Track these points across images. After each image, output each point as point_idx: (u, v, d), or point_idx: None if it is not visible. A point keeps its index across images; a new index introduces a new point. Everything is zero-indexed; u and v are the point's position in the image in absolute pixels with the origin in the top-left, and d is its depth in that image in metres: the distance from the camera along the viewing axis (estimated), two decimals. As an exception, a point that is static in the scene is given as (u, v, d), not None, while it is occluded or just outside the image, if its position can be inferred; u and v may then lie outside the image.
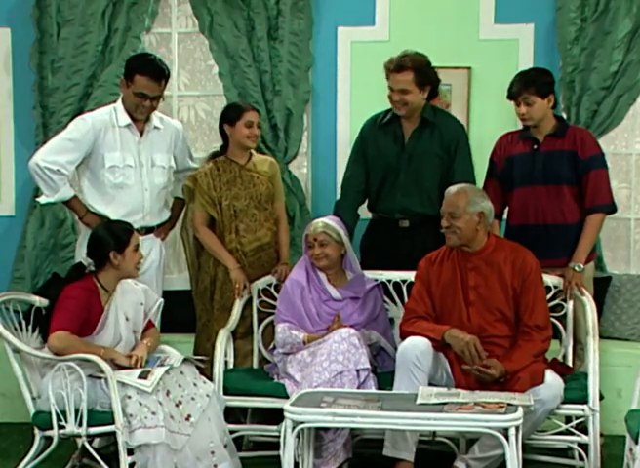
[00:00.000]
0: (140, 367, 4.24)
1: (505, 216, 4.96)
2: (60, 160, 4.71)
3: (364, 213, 5.12)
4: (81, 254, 4.65)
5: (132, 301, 4.43)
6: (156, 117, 4.95)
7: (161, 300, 4.59)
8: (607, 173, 4.80)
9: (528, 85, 4.69)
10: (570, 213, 4.75)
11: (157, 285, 4.96)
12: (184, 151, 5.13)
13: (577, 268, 4.68)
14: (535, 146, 4.80)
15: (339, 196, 5.15)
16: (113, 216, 4.75)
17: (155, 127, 4.92)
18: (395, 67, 4.80)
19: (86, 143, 4.76)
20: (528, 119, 4.74)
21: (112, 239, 4.33)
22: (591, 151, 4.74)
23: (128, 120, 4.81)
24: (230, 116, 4.97)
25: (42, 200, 4.85)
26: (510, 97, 4.76)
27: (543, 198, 4.75)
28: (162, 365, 4.27)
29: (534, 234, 4.73)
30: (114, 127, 4.80)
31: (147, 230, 4.93)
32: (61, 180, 4.74)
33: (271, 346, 4.86)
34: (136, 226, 4.79)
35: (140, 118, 4.85)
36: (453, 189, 4.49)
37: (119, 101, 4.88)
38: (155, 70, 4.80)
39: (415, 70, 4.79)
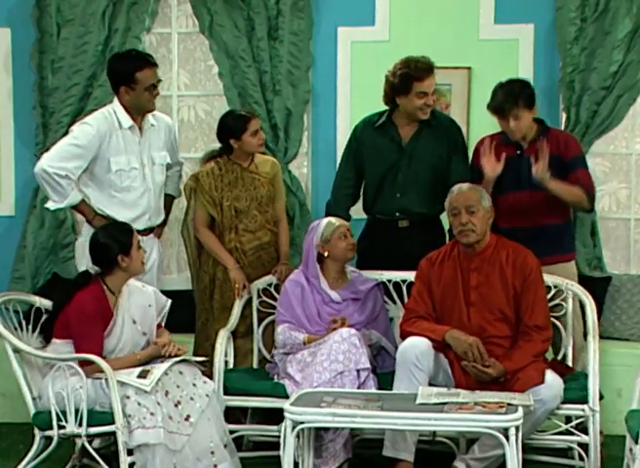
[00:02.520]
0: (178, 350, 4.33)
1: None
2: (67, 166, 4.65)
3: (357, 213, 5.13)
4: (83, 255, 4.64)
5: (139, 304, 4.42)
6: (150, 114, 4.92)
7: (169, 301, 4.59)
8: (589, 174, 4.80)
9: (517, 101, 4.66)
10: (557, 215, 4.77)
11: (157, 284, 4.96)
12: (175, 145, 5.12)
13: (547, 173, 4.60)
14: (518, 151, 4.80)
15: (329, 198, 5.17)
16: (124, 220, 4.72)
17: (152, 124, 4.90)
18: (427, 71, 4.77)
19: (92, 149, 4.71)
20: (517, 132, 4.72)
21: (116, 243, 4.32)
22: (574, 153, 4.77)
23: (130, 121, 4.78)
24: (235, 130, 4.92)
25: (51, 206, 4.78)
26: (499, 112, 4.72)
27: (531, 202, 4.75)
28: (163, 362, 4.28)
29: (524, 236, 4.71)
30: (117, 130, 4.77)
31: (150, 230, 4.92)
32: (69, 185, 4.68)
33: (274, 351, 4.84)
34: (142, 227, 4.79)
35: (152, 108, 4.84)
36: (464, 186, 4.50)
37: (116, 103, 4.82)
38: (148, 59, 4.81)
39: (434, 71, 4.83)
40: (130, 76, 4.72)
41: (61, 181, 4.65)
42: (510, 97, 4.69)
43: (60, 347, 4.26)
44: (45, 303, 4.48)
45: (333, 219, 4.80)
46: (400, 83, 4.80)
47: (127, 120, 4.78)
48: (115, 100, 4.83)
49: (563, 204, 4.74)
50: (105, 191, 4.79)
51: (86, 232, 4.80)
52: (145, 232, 4.85)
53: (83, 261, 4.68)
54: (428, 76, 4.79)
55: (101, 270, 4.37)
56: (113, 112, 4.79)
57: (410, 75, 4.77)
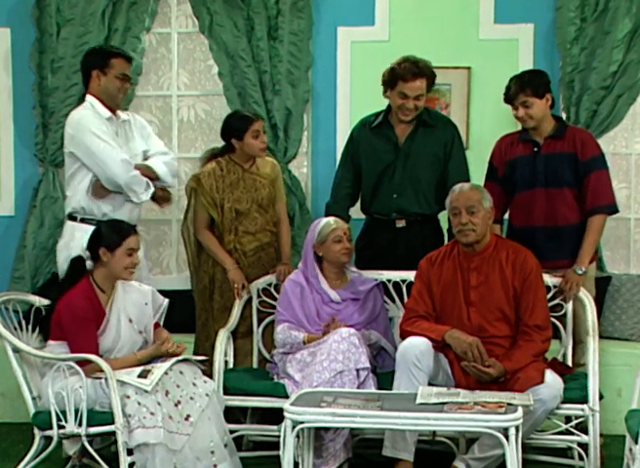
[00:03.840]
0: (177, 348, 4.35)
1: (507, 217, 4.96)
2: (126, 157, 4.70)
3: (357, 213, 5.13)
4: (64, 258, 4.62)
5: (135, 302, 4.41)
6: (120, 111, 4.92)
7: (167, 300, 4.58)
8: (607, 173, 4.79)
9: (524, 87, 4.68)
10: (572, 214, 4.74)
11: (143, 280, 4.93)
12: (150, 139, 5.04)
13: (578, 271, 4.68)
14: (535, 149, 4.79)
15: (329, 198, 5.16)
16: (111, 214, 4.71)
17: (124, 120, 4.88)
18: (413, 74, 4.77)
19: (110, 131, 4.72)
20: (528, 120, 4.72)
21: (107, 236, 4.32)
22: (591, 153, 4.73)
23: (108, 113, 4.77)
24: (237, 130, 4.92)
25: (145, 197, 4.79)
26: (507, 100, 4.76)
27: (545, 201, 4.74)
28: (163, 362, 4.28)
29: (537, 236, 4.73)
30: (100, 118, 4.73)
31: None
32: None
33: (274, 351, 4.84)
34: (124, 218, 4.77)
35: (119, 104, 4.84)
36: (465, 186, 4.50)
37: (90, 98, 4.78)
38: (124, 52, 4.88)
39: (428, 77, 4.81)
40: (104, 60, 4.76)
41: (135, 172, 4.72)
42: (517, 84, 4.72)
43: (56, 348, 4.25)
44: (45, 303, 4.48)
45: (332, 221, 4.79)
46: (388, 77, 4.85)
47: (105, 111, 4.77)
48: (89, 98, 4.80)
49: (579, 204, 4.74)
50: (83, 185, 4.76)
51: (68, 232, 4.78)
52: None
53: (63, 262, 4.66)
54: (414, 80, 4.77)
55: (91, 259, 4.36)
56: (91, 106, 4.77)
57: (396, 73, 4.80)
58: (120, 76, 4.76)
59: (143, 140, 4.94)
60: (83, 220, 4.76)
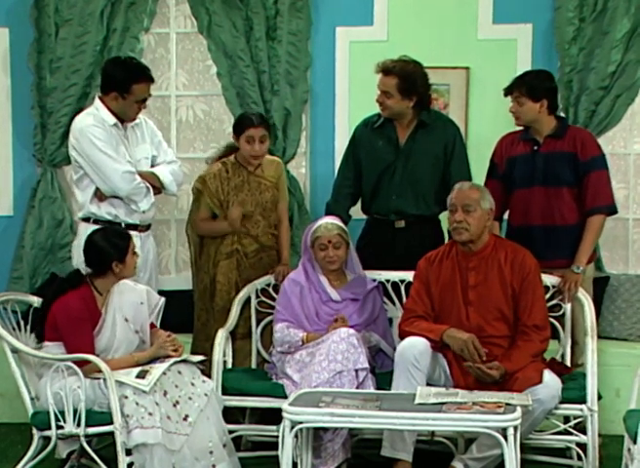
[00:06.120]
0: (174, 346, 4.34)
1: (506, 217, 4.96)
2: (128, 168, 4.71)
3: (358, 213, 5.13)
4: (79, 255, 4.62)
5: (131, 302, 4.40)
6: None
7: (163, 299, 4.58)
8: (607, 174, 4.80)
9: (521, 85, 4.73)
10: (570, 214, 4.75)
11: (155, 281, 4.95)
12: (160, 146, 5.05)
13: (575, 270, 4.68)
14: (535, 147, 4.80)
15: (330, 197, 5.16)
16: (121, 217, 4.75)
17: (135, 124, 4.87)
18: (382, 69, 4.83)
19: (112, 140, 4.71)
20: (516, 118, 4.79)
21: (113, 250, 4.31)
22: (591, 153, 4.74)
23: (114, 119, 4.76)
24: (236, 128, 4.95)
25: (147, 206, 4.81)
26: (505, 93, 4.80)
27: (544, 199, 4.75)
28: (162, 362, 4.28)
29: (535, 235, 4.74)
30: (104, 126, 4.74)
31: (146, 227, 4.90)
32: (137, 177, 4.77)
33: (271, 349, 4.84)
34: (138, 222, 4.78)
35: (135, 118, 4.82)
36: (465, 184, 4.51)
37: (98, 104, 4.78)
38: (148, 73, 4.78)
39: (400, 77, 4.79)
40: (126, 85, 4.69)
41: (138, 181, 4.72)
42: (518, 79, 4.78)
43: (52, 349, 4.25)
44: (44, 303, 4.48)
45: (322, 227, 4.75)
46: None
47: (111, 118, 4.75)
48: (97, 102, 4.81)
49: (578, 204, 4.74)
50: (92, 190, 4.78)
51: (82, 232, 4.79)
52: (142, 228, 4.83)
53: (80, 261, 4.66)
54: (382, 74, 4.83)
55: (93, 271, 4.36)
56: (96, 110, 4.77)
57: (376, 66, 4.86)
58: (140, 101, 4.75)
59: (153, 146, 4.95)
60: (96, 221, 4.78)
